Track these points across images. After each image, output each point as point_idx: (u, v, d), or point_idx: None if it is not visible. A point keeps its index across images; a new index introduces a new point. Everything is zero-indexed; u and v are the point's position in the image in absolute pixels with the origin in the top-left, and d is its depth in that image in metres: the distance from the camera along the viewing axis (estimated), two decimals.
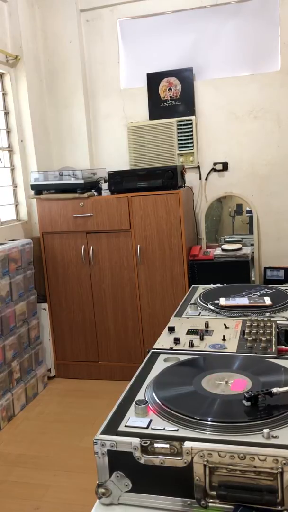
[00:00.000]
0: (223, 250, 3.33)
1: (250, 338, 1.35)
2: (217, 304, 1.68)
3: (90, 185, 3.34)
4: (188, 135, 3.52)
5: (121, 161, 3.71)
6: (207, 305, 1.69)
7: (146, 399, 1.04)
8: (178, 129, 3.52)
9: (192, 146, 3.53)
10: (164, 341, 1.41)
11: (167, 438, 0.89)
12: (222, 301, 1.69)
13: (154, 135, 3.57)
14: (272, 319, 1.49)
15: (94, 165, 3.78)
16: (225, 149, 3.54)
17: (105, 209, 3.24)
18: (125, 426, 0.95)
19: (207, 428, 0.91)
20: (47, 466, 2.46)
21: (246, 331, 1.41)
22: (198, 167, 3.59)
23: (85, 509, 2.10)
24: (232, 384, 1.06)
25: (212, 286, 2.00)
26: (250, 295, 1.77)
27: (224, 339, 1.39)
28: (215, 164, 3.56)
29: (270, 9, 3.33)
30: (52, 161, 3.78)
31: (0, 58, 3.30)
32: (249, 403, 0.97)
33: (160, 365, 1.24)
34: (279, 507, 0.82)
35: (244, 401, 0.97)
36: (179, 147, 3.55)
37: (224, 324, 1.49)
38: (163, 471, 0.87)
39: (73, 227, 3.33)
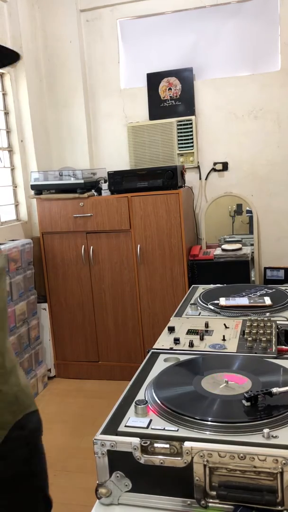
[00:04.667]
0: (223, 250, 3.33)
1: (250, 338, 1.35)
2: (217, 304, 1.68)
3: (90, 185, 3.34)
4: (188, 135, 3.52)
5: (121, 161, 3.71)
6: (207, 305, 1.69)
7: (146, 399, 1.04)
8: (178, 129, 3.52)
9: (192, 146, 3.53)
10: (164, 341, 1.41)
11: (167, 438, 0.89)
12: (222, 301, 1.69)
13: (154, 135, 3.57)
14: (272, 319, 1.49)
15: (94, 165, 3.78)
16: (225, 149, 3.54)
17: (105, 209, 3.24)
18: (125, 426, 0.95)
19: (207, 428, 0.91)
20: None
21: (246, 331, 1.40)
22: (198, 167, 3.59)
23: (85, 509, 2.10)
24: (232, 380, 1.06)
25: (212, 286, 2.00)
26: (250, 295, 1.77)
27: (224, 339, 1.39)
28: (215, 164, 3.56)
29: (270, 9, 3.33)
30: (52, 161, 3.78)
31: None
32: (248, 403, 0.96)
33: (160, 365, 1.24)
34: (279, 507, 0.82)
35: (244, 401, 0.97)
36: (179, 147, 3.55)
37: (224, 324, 1.49)
38: (163, 471, 0.87)
39: (73, 227, 3.33)
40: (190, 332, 1.46)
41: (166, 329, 1.50)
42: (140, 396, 1.07)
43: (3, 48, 1.05)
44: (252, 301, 1.68)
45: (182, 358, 1.27)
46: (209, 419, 0.93)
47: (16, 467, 1.05)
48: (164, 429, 0.92)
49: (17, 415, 1.06)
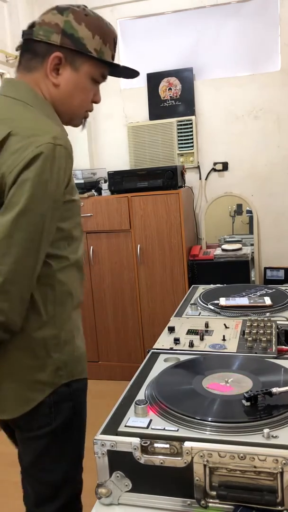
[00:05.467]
0: (223, 250, 3.33)
1: (250, 338, 1.35)
2: (217, 304, 1.68)
3: (90, 185, 3.34)
4: (188, 135, 3.52)
5: (121, 161, 3.71)
6: (207, 305, 1.69)
7: (146, 399, 1.04)
8: (178, 129, 3.52)
9: (192, 146, 3.53)
10: (164, 341, 1.41)
11: (167, 438, 0.89)
12: (222, 301, 1.69)
13: (154, 135, 3.57)
14: (272, 319, 1.49)
15: (94, 165, 3.78)
16: (225, 149, 3.54)
17: (105, 209, 3.24)
18: (125, 426, 0.95)
19: (207, 428, 0.91)
20: None
21: (246, 331, 1.40)
22: (198, 167, 3.59)
23: (85, 509, 2.10)
24: (211, 385, 1.06)
25: (212, 286, 2.00)
26: (250, 295, 1.77)
27: (224, 339, 1.39)
28: (215, 164, 3.56)
29: (270, 9, 3.33)
30: None
31: (0, 58, 3.30)
32: (248, 403, 0.97)
33: (160, 365, 1.24)
34: (279, 507, 0.82)
35: (243, 401, 0.97)
36: (179, 147, 3.55)
37: (224, 324, 1.49)
38: (163, 471, 0.87)
39: None
40: (190, 332, 1.46)
41: (166, 329, 1.50)
42: (140, 396, 1.07)
43: (128, 69, 1.32)
44: (252, 301, 1.68)
45: (182, 358, 1.27)
46: (209, 419, 0.93)
47: (65, 416, 1.26)
48: (164, 429, 0.92)
49: (64, 379, 1.23)
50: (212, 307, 1.66)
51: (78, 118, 1.29)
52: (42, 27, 1.18)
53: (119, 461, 0.89)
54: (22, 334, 1.15)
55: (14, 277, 1.06)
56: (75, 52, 1.16)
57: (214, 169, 3.58)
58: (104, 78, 1.27)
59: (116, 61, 1.30)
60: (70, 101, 1.22)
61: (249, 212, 3.56)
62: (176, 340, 1.39)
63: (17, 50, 1.22)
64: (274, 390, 0.97)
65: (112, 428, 0.94)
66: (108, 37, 1.21)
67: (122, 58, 3.62)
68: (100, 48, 1.19)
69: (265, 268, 3.47)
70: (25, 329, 1.14)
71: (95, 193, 3.31)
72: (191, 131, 3.51)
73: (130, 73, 1.33)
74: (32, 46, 1.18)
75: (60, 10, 1.18)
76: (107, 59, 1.22)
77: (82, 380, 1.30)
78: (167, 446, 0.87)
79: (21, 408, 1.19)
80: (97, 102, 1.30)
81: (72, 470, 1.32)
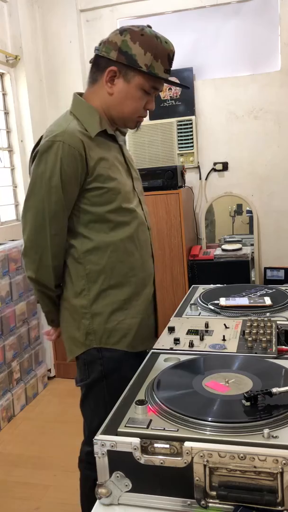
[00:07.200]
0: (223, 250, 3.33)
1: (250, 338, 1.35)
2: (217, 304, 1.68)
3: None
4: (188, 135, 3.52)
5: None
6: (207, 305, 1.69)
7: (146, 399, 1.04)
8: (178, 129, 3.52)
9: (192, 146, 3.53)
10: (164, 341, 1.41)
11: (167, 438, 0.89)
12: (222, 301, 1.69)
13: (154, 135, 3.57)
14: (272, 319, 1.49)
15: None
16: (225, 149, 3.54)
17: None
18: (125, 426, 0.94)
19: (207, 428, 0.91)
20: (47, 466, 2.46)
21: (246, 331, 1.40)
22: (198, 167, 3.59)
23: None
24: (210, 383, 1.06)
25: (212, 286, 2.00)
26: (250, 295, 1.76)
27: (224, 339, 1.39)
28: (215, 164, 3.56)
29: (270, 9, 3.33)
30: None
31: (0, 58, 3.30)
32: (248, 403, 0.96)
33: (160, 365, 1.24)
34: (279, 507, 0.82)
35: (243, 401, 0.97)
36: (179, 147, 3.55)
37: (224, 324, 1.49)
38: (163, 471, 0.87)
39: None
40: (190, 332, 1.46)
41: (166, 329, 1.50)
42: (140, 396, 1.07)
43: (174, 83, 1.54)
44: (252, 301, 1.68)
45: (182, 358, 1.27)
46: (209, 419, 0.93)
47: (95, 376, 1.47)
48: (164, 429, 0.92)
49: (94, 344, 1.45)
50: (212, 307, 1.66)
51: (130, 122, 1.49)
52: (106, 45, 1.39)
53: (119, 461, 0.89)
54: (67, 299, 1.48)
55: (31, 245, 1.42)
56: (128, 67, 1.38)
57: (214, 169, 3.58)
58: (156, 90, 1.45)
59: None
60: (121, 108, 1.43)
61: (249, 212, 3.56)
62: (176, 340, 1.39)
63: (90, 62, 1.46)
64: (274, 390, 0.97)
65: (112, 428, 0.94)
66: (161, 53, 1.40)
67: None
68: (150, 63, 1.38)
69: (265, 268, 3.47)
70: (67, 295, 1.48)
71: None
72: (191, 131, 3.51)
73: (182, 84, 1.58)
74: (97, 61, 1.43)
75: (121, 31, 1.38)
76: (157, 73, 1.40)
77: (117, 351, 1.46)
78: (167, 446, 0.87)
79: (70, 355, 1.54)
80: (150, 109, 1.49)
81: None
